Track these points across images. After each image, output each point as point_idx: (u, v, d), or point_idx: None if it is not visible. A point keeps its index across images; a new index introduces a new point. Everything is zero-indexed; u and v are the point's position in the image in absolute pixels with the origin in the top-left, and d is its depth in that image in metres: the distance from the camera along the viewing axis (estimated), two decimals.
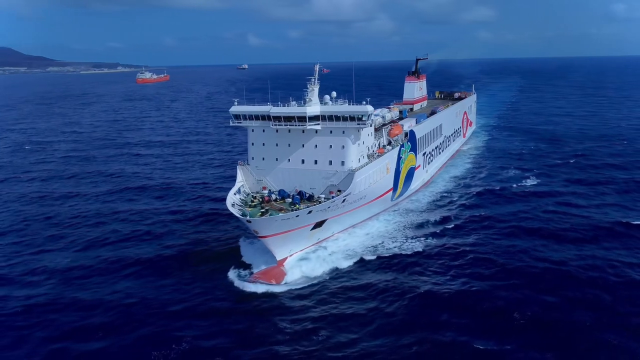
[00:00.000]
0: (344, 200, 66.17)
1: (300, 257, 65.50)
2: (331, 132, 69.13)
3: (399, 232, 73.35)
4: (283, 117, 69.05)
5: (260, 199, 69.48)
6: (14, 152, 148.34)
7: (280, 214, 61.64)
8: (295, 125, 68.54)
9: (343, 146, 68.95)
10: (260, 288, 57.99)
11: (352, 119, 67.30)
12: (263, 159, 73.51)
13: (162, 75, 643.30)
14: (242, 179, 73.74)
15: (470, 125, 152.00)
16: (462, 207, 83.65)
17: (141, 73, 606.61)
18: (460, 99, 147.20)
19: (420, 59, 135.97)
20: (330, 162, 69.71)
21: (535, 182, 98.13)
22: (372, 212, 77.07)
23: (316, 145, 70.11)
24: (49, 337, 49.20)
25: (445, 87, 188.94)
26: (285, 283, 59.61)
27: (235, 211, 63.18)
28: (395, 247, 67.76)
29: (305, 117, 67.71)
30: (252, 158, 74.56)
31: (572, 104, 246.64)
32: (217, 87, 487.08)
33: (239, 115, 73.89)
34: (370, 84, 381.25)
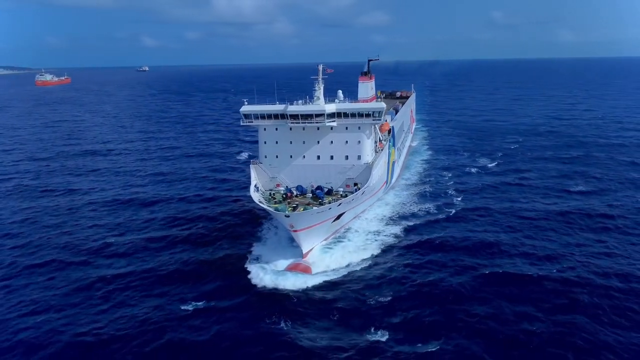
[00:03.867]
0: (363, 192, 71.89)
1: (321, 247, 68.59)
2: (347, 128, 73.20)
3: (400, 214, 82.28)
4: (300, 114, 71.91)
5: (283, 196, 72.51)
6: None
7: (315, 208, 64.75)
8: (313, 122, 71.55)
9: (359, 141, 73.51)
10: (294, 280, 59.21)
11: (367, 115, 71.98)
12: (277, 156, 75.86)
13: (63, 78, 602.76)
14: (256, 177, 75.70)
15: (413, 122, 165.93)
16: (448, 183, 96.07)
17: (40, 75, 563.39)
18: (402, 97, 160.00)
19: (371, 60, 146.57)
20: (347, 157, 73.80)
21: (491, 164, 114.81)
22: (372, 202, 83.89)
23: (332, 142, 73.76)
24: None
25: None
26: (316, 273, 61.56)
27: (269, 207, 65.59)
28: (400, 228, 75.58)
29: (323, 114, 71.24)
30: (265, 156, 76.74)
31: (484, 101, 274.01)
32: (133, 90, 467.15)
33: (250, 114, 75.14)
34: (284, 84, 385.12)
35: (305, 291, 57.80)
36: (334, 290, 58.03)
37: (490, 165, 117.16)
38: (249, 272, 61.75)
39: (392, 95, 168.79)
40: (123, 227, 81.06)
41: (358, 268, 63.13)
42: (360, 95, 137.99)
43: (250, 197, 71.07)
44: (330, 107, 72.38)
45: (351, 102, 77.56)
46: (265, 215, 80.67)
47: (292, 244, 67.39)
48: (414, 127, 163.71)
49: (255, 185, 74.14)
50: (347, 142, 73.90)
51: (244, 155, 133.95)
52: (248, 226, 78.33)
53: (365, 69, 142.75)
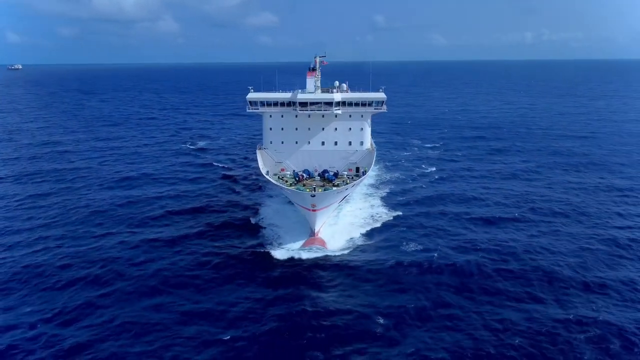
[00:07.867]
0: (366, 175, 77.28)
1: (329, 224, 71.00)
2: (350, 116, 77.18)
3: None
4: (309, 102, 75.40)
5: (295, 179, 75.64)
6: None
7: (335, 189, 68.06)
8: (321, 110, 75.14)
9: (362, 128, 77.98)
10: (314, 254, 62.43)
11: (370, 104, 76.56)
12: (282, 142, 79.17)
13: None
14: (262, 162, 78.51)
15: None
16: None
17: None
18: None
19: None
20: (350, 143, 78.15)
21: (430, 145, 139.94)
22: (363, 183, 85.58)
23: (336, 128, 77.89)
24: None
25: None
26: (333, 247, 65.15)
27: (291, 188, 68.57)
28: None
29: (332, 103, 74.90)
30: (270, 142, 79.62)
31: (404, 99, 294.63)
32: (25, 89, 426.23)
33: (256, 101, 77.33)
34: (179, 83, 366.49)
35: (327, 261, 61.48)
36: (353, 258, 62.52)
37: (429, 145, 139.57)
38: (268, 254, 63.21)
39: (328, 90, 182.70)
40: (129, 226, 76.36)
41: (367, 236, 68.98)
42: (307, 89, 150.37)
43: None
44: (338, 96, 77.09)
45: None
46: (260, 202, 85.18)
47: (300, 225, 69.86)
48: None
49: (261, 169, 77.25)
50: (350, 129, 78.86)
51: (200, 145, 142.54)
52: (249, 212, 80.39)
53: (313, 66, 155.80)
